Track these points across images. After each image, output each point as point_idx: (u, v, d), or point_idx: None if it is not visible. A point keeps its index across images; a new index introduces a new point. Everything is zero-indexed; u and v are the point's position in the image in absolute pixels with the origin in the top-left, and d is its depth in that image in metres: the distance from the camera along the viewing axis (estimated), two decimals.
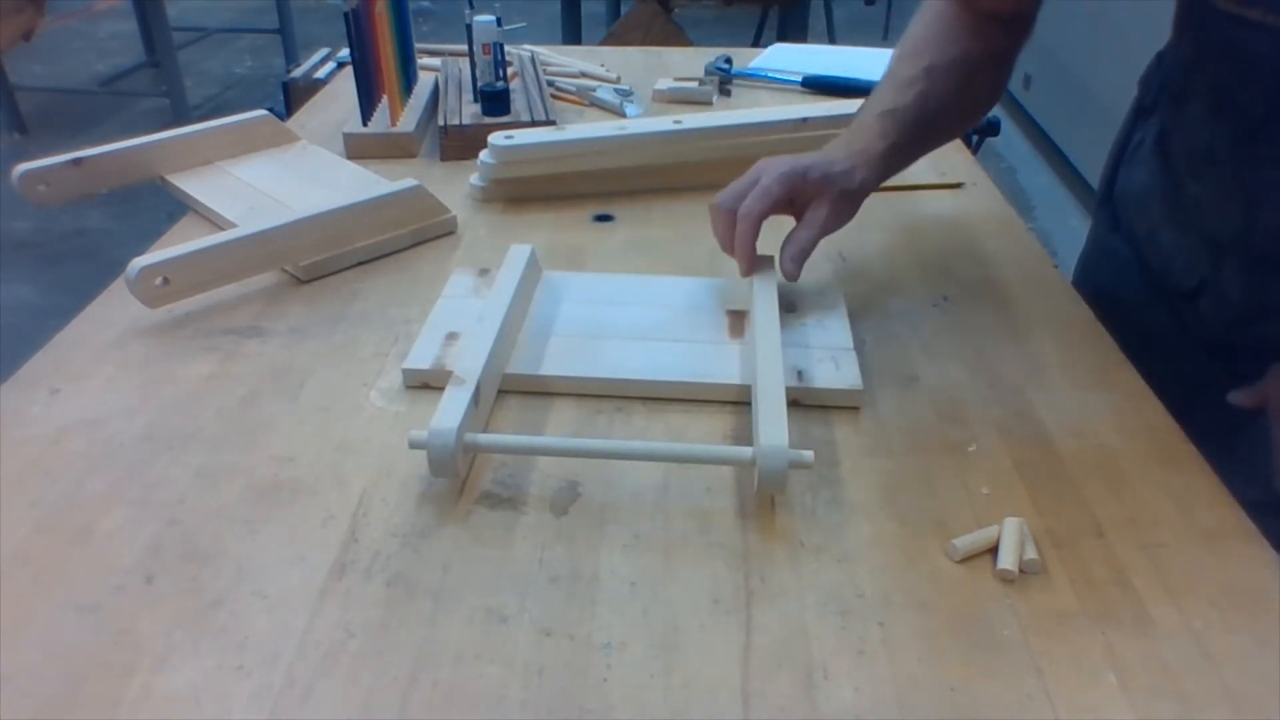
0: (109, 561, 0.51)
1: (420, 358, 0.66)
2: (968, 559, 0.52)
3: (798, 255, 0.69)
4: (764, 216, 0.69)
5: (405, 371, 0.66)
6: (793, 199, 0.70)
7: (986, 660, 0.46)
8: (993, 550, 0.52)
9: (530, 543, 0.53)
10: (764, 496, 0.56)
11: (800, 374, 0.64)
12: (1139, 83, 0.82)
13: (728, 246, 0.71)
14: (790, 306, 0.72)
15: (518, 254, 0.74)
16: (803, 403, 0.64)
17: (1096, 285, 0.84)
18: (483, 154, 0.92)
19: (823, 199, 0.69)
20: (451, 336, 0.68)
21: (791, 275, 0.69)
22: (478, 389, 0.59)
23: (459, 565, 0.51)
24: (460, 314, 0.71)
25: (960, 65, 0.74)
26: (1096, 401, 0.65)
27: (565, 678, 0.45)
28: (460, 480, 0.57)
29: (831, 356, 0.67)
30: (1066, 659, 0.46)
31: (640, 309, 0.73)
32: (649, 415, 0.63)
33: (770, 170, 0.69)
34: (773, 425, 0.55)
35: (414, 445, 0.55)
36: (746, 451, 0.55)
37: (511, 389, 0.66)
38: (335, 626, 0.48)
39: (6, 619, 0.48)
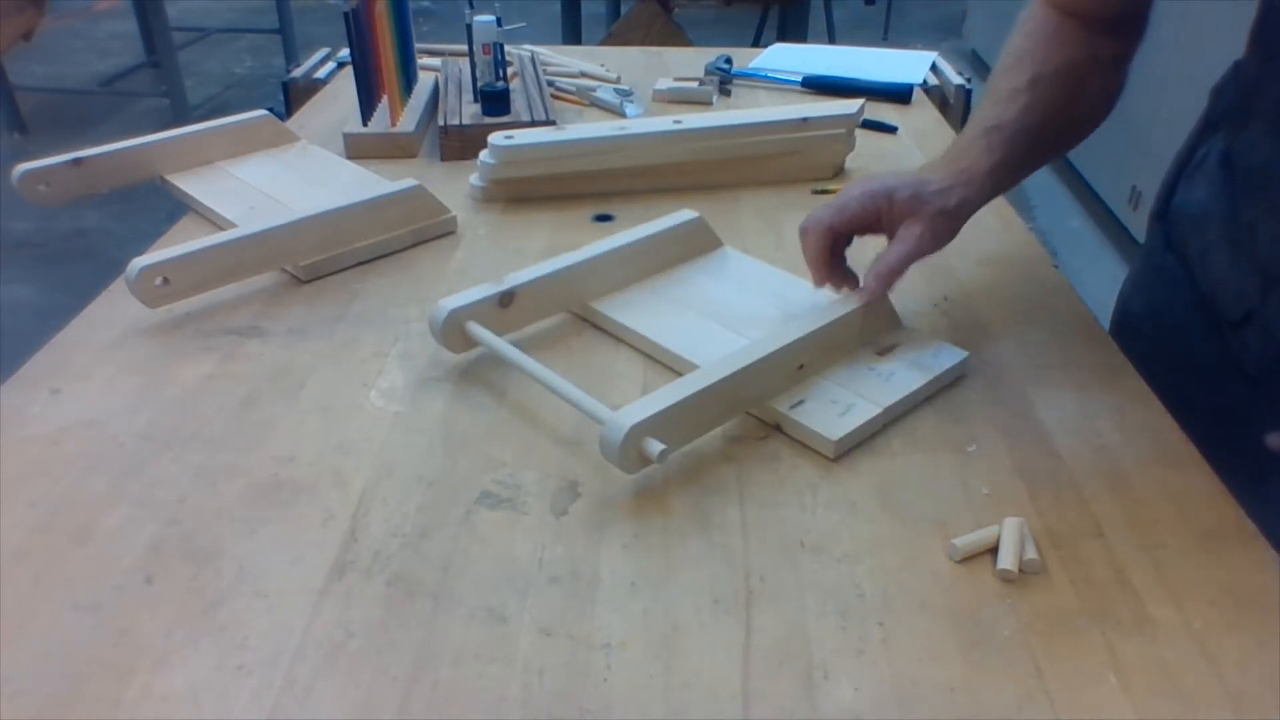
0: (109, 561, 0.51)
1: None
2: (968, 559, 0.52)
3: (884, 272, 0.66)
4: (833, 228, 0.66)
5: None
6: (880, 218, 0.67)
7: (986, 660, 0.46)
8: (993, 550, 0.52)
9: (530, 543, 0.53)
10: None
11: (800, 403, 0.62)
12: (1210, 93, 0.76)
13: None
14: (885, 350, 0.68)
15: (675, 216, 0.79)
16: (784, 430, 0.62)
17: (1146, 304, 0.80)
18: (483, 154, 0.92)
19: (916, 219, 0.66)
20: None
21: (871, 293, 0.66)
22: (510, 294, 0.68)
23: (459, 565, 0.51)
24: None
25: (1067, 74, 0.70)
26: (1096, 401, 0.65)
27: (565, 678, 0.45)
28: (456, 354, 0.68)
29: (850, 405, 0.62)
30: (1066, 659, 0.46)
31: (752, 300, 0.74)
32: None
33: (854, 187, 0.67)
34: (642, 404, 0.55)
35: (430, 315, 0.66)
36: (605, 413, 0.56)
37: (592, 320, 0.74)
38: (335, 626, 0.48)
39: (6, 619, 0.48)
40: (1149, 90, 2.31)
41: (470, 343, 0.67)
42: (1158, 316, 0.78)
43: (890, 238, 0.68)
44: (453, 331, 0.66)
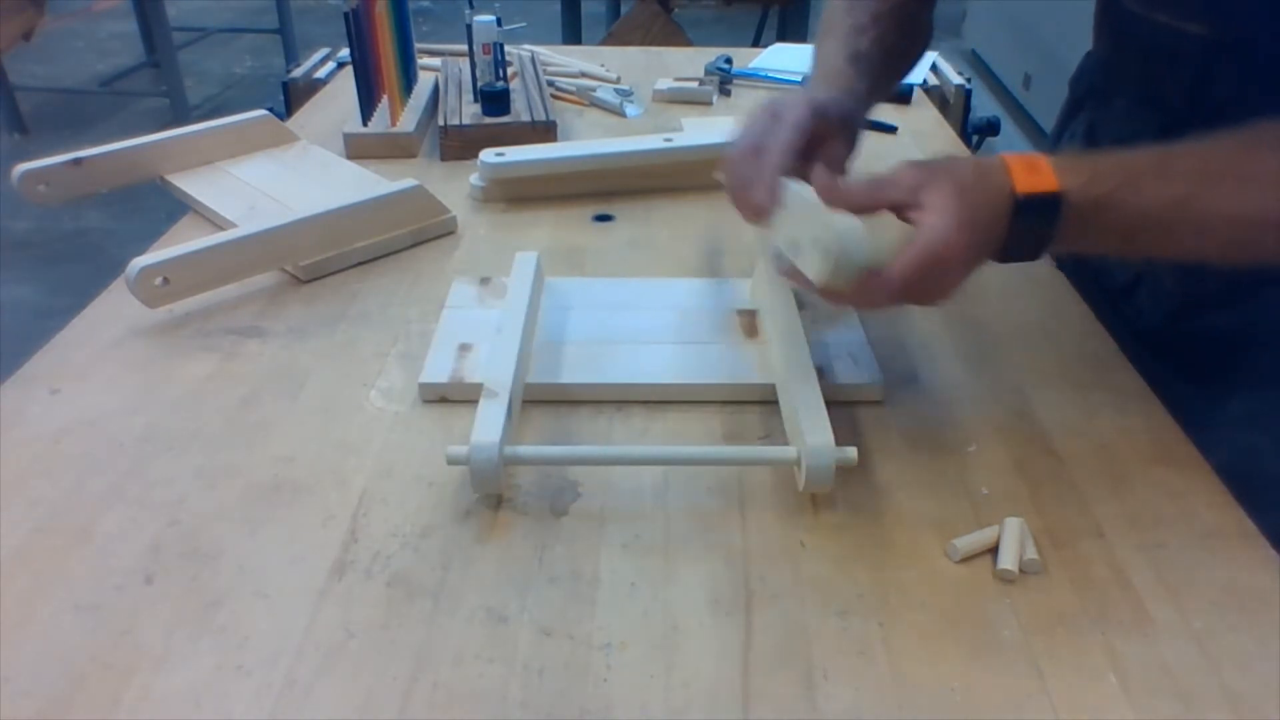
0: (109, 561, 0.51)
1: (437, 371, 0.65)
2: (968, 559, 0.52)
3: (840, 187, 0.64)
4: (796, 152, 0.63)
5: (422, 386, 0.64)
6: (814, 134, 0.66)
7: (986, 660, 0.46)
8: (993, 550, 0.52)
9: (530, 543, 0.53)
10: (809, 493, 0.56)
11: (821, 371, 0.63)
12: (1069, 82, 0.84)
13: (750, 190, 0.62)
14: (801, 304, 0.71)
15: (525, 262, 0.73)
16: (826, 399, 0.62)
17: None
18: (482, 154, 0.92)
19: (839, 138, 0.67)
20: (464, 348, 0.67)
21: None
22: (510, 401, 0.58)
23: (459, 565, 0.51)
24: (469, 324, 0.70)
25: (901, 8, 0.75)
26: (1096, 401, 0.65)
27: (565, 678, 0.45)
28: (499, 495, 0.56)
29: (848, 353, 0.67)
30: (1066, 659, 0.46)
31: (649, 312, 0.73)
32: (648, 418, 0.63)
33: (792, 106, 0.65)
34: (815, 423, 0.55)
35: (453, 461, 0.54)
36: (791, 451, 0.56)
37: (532, 399, 0.64)
38: (335, 626, 0.48)
39: (6, 619, 0.48)
40: None
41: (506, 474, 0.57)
42: None
43: (808, 155, 0.66)
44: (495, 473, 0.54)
